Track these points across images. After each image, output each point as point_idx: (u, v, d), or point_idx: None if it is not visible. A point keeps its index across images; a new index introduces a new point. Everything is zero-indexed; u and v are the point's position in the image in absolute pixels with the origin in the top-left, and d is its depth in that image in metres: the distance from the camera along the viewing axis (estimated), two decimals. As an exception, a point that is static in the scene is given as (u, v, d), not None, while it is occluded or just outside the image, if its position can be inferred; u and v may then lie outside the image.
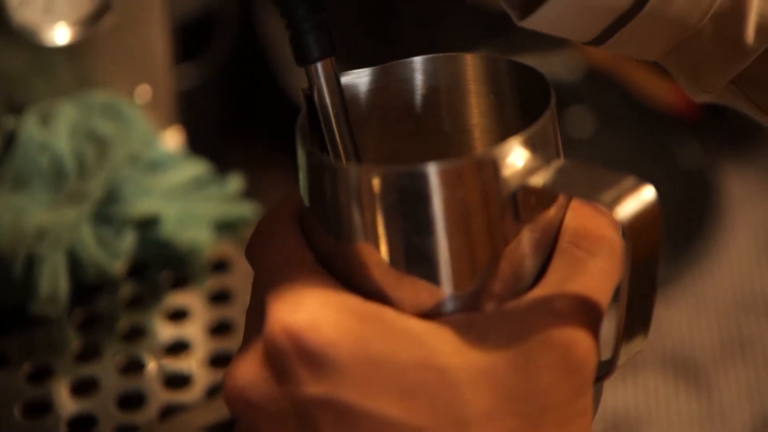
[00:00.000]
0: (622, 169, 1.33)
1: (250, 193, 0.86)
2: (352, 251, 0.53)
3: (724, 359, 1.08)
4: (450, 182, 0.51)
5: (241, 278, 0.79)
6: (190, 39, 1.10)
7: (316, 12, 0.55)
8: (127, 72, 0.83)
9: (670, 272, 1.15)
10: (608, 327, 0.53)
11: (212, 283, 0.79)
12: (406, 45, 1.20)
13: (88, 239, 0.75)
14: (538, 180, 0.51)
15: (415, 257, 0.52)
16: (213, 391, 0.73)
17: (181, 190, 0.81)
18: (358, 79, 0.57)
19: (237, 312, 0.78)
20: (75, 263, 0.75)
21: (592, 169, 0.51)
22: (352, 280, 0.53)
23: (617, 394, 1.04)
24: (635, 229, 0.50)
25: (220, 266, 0.80)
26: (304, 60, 0.56)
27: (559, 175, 0.51)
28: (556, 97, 0.53)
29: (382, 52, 1.22)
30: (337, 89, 0.56)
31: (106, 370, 0.73)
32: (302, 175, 0.54)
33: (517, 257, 0.53)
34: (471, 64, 0.57)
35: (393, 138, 0.58)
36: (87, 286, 0.77)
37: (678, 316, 1.12)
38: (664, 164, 1.27)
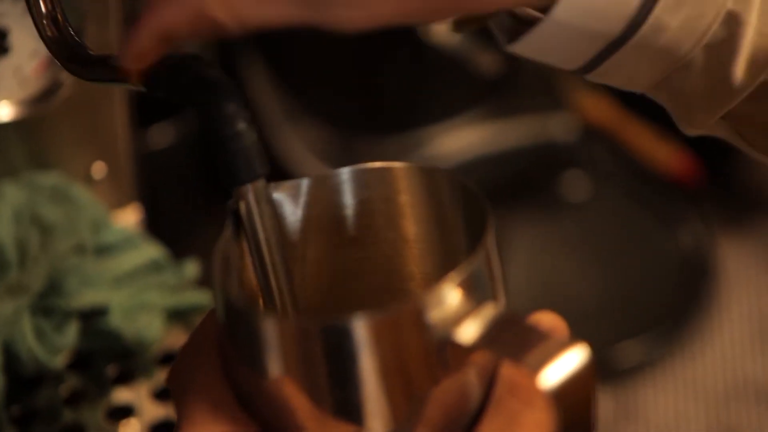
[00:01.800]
0: (614, 237, 1.29)
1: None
2: (271, 389, 0.50)
3: (710, 449, 1.04)
4: (373, 335, 0.48)
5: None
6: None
7: (246, 131, 0.52)
8: (82, 149, 0.80)
9: (660, 352, 1.11)
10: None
11: (160, 376, 0.75)
12: (394, 110, 1.17)
13: (27, 333, 0.71)
14: (465, 335, 0.48)
15: (339, 400, 0.49)
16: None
17: (132, 277, 0.77)
18: (292, 191, 0.54)
19: (185, 409, 0.74)
20: (12, 357, 0.72)
21: (522, 323, 0.48)
22: (272, 417, 0.50)
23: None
24: (561, 397, 0.46)
25: (170, 358, 0.77)
26: (233, 182, 0.52)
27: (486, 329, 0.48)
28: (494, 222, 0.50)
29: (369, 118, 1.18)
30: (268, 210, 0.53)
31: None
32: (220, 310, 0.51)
33: (446, 402, 0.50)
34: (405, 175, 0.54)
35: (333, 248, 0.56)
36: (26, 379, 0.73)
37: (664, 401, 1.08)
38: (660, 234, 1.23)
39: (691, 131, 0.57)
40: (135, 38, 0.51)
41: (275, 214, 0.53)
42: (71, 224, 0.74)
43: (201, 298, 0.78)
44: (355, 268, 0.56)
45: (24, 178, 0.76)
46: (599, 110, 1.27)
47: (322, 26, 0.49)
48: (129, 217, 0.83)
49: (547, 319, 0.50)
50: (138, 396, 0.74)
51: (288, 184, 0.54)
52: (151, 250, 0.79)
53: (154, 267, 0.79)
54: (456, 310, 0.48)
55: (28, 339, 0.72)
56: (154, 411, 0.74)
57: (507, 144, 1.22)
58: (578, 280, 1.18)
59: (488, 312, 0.48)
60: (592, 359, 0.47)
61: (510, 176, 1.23)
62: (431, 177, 0.54)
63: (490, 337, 0.48)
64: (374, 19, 0.49)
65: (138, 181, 0.83)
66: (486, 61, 1.19)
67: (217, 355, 0.52)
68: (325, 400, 0.49)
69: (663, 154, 1.27)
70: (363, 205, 0.55)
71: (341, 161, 1.15)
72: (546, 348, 0.47)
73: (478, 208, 0.51)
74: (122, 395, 0.74)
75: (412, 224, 0.55)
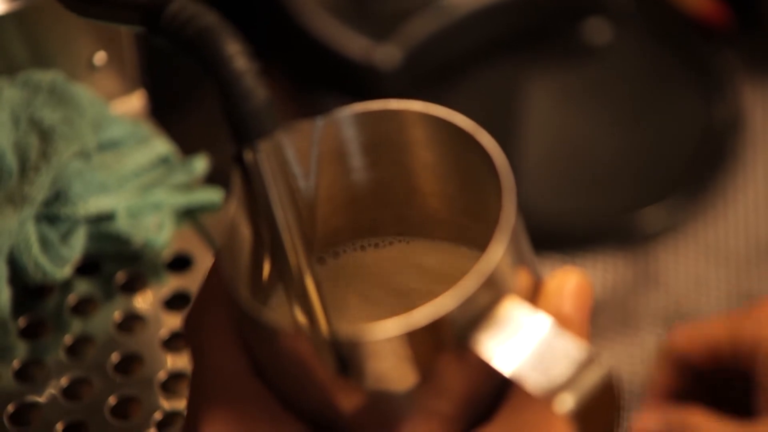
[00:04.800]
0: (637, 88, 1.24)
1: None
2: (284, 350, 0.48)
3: (731, 316, 1.02)
4: (386, 347, 0.46)
5: (202, 277, 0.73)
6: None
7: (256, 88, 0.49)
8: (83, 39, 0.76)
9: (679, 215, 1.08)
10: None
11: (171, 282, 0.73)
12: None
13: (33, 244, 0.69)
14: (479, 345, 0.45)
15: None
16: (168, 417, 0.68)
17: (138, 175, 0.74)
18: (302, 132, 0.52)
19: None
20: (18, 269, 0.69)
21: (541, 327, 0.45)
22: (284, 383, 0.49)
23: (611, 355, 0.99)
24: (579, 420, 0.44)
25: (181, 262, 0.74)
26: (245, 140, 0.50)
27: (501, 336, 0.45)
28: (514, 192, 0.48)
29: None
30: (278, 161, 0.50)
31: (49, 395, 0.68)
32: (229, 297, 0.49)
33: (453, 399, 0.48)
34: (420, 117, 0.52)
35: (347, 173, 0.54)
36: (32, 288, 0.71)
37: (685, 266, 1.06)
38: (684, 85, 1.18)
39: None
40: None
41: (285, 161, 0.51)
42: (72, 128, 0.71)
43: (212, 195, 0.75)
44: (371, 188, 0.54)
45: (20, 77, 0.72)
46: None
47: None
48: (134, 104, 0.79)
49: (570, 295, 0.47)
50: (146, 303, 0.72)
51: (297, 126, 0.52)
52: (158, 145, 0.75)
53: (161, 164, 0.75)
54: (473, 314, 0.45)
55: (33, 250, 0.69)
56: (165, 319, 0.72)
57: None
58: (599, 137, 1.14)
59: (507, 311, 0.46)
60: (615, 377, 0.44)
61: (529, 24, 1.18)
62: (448, 122, 0.51)
63: (505, 347, 0.45)
64: None
65: (142, 66, 0.80)
66: None
67: (227, 314, 0.51)
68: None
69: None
70: (376, 137, 0.53)
71: (354, 17, 1.10)
72: (565, 364, 0.44)
73: (496, 170, 0.49)
74: (132, 302, 0.72)
75: (429, 152, 0.53)
